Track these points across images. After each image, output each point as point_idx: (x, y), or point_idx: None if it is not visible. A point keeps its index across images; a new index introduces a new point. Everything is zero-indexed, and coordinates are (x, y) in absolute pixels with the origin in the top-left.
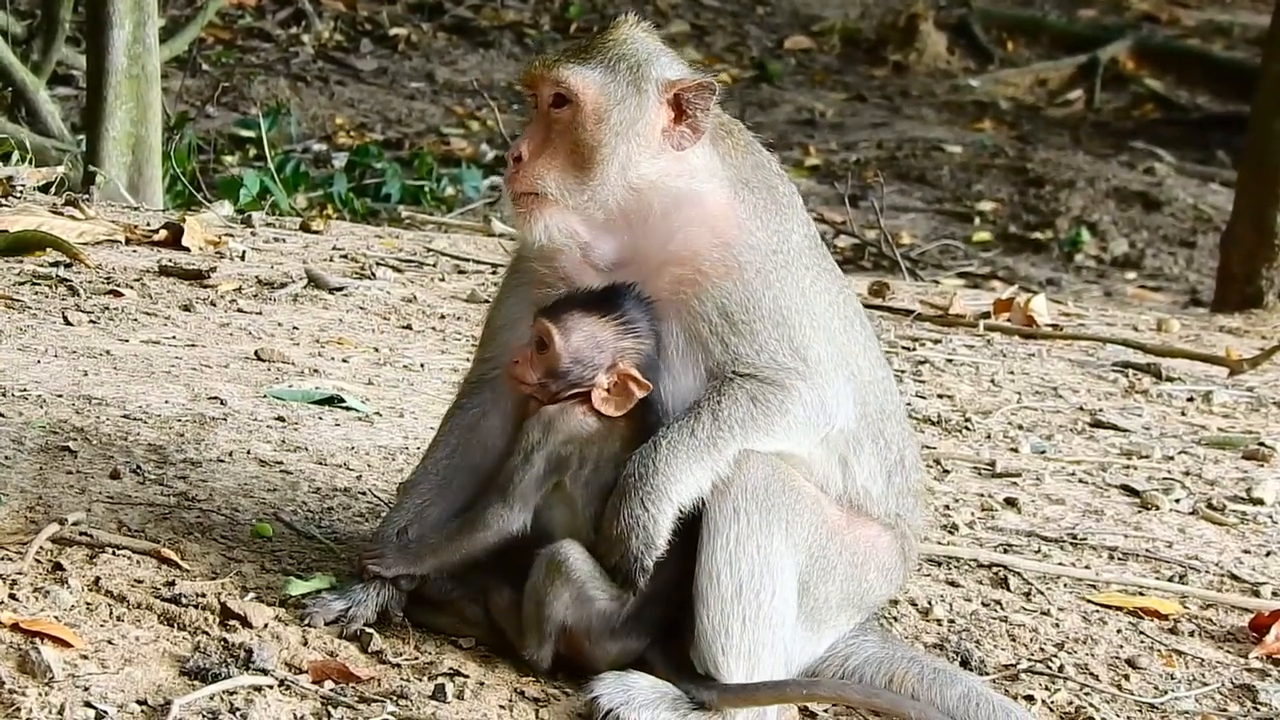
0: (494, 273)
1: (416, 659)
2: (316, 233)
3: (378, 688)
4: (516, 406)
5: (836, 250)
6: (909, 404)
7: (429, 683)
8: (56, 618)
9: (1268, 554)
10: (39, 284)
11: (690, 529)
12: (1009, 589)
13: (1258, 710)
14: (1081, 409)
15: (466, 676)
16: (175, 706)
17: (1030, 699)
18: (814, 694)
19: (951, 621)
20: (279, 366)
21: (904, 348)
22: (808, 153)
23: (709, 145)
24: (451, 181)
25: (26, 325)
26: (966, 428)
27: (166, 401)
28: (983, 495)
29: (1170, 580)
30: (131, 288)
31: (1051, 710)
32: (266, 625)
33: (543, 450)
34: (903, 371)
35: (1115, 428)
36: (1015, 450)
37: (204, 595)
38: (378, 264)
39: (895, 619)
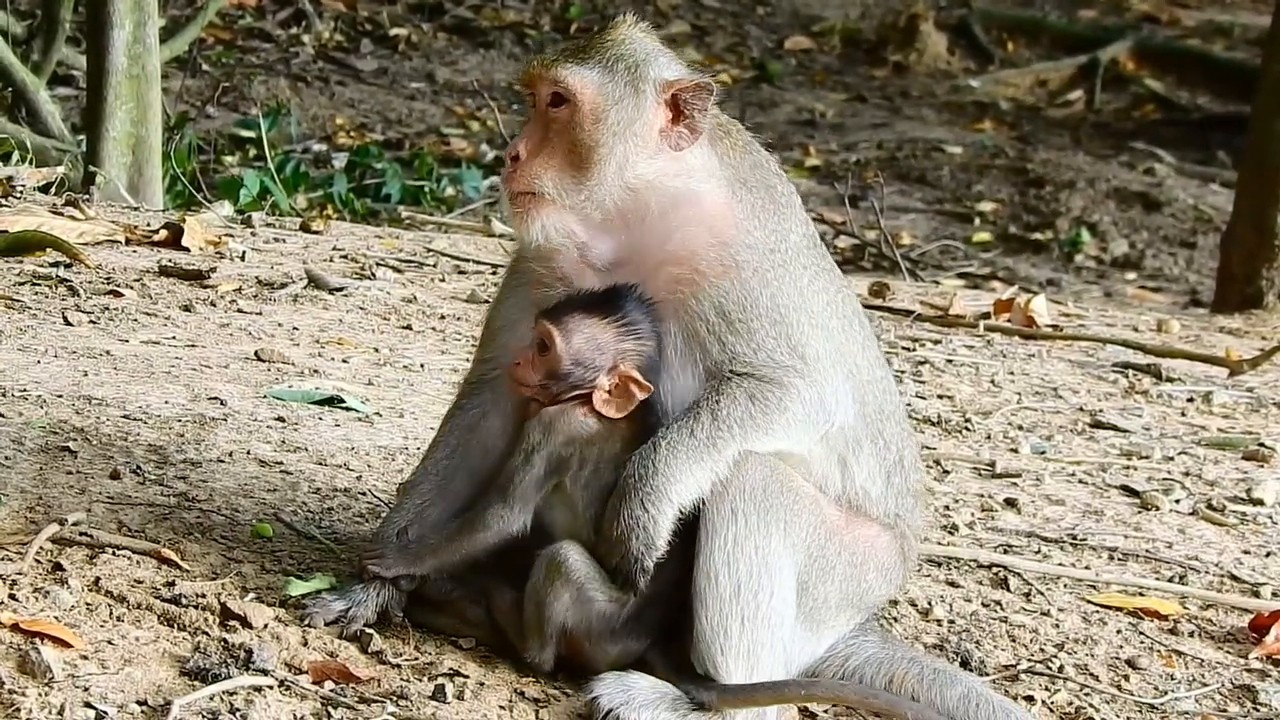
0: (494, 273)
1: (416, 659)
2: (316, 233)
3: (378, 688)
4: (516, 407)
5: (836, 251)
6: (909, 404)
7: (429, 683)
8: (56, 618)
9: (1268, 554)
10: (39, 284)
11: (690, 530)
12: (1009, 589)
13: (1257, 711)
14: (1081, 409)
15: (466, 677)
16: (175, 707)
17: (1030, 699)
18: (812, 694)
19: (951, 622)
20: (279, 367)
21: (904, 348)
22: (808, 153)
23: (707, 145)
24: (451, 182)
25: (26, 325)
26: (966, 428)
27: (166, 402)
28: (983, 496)
29: (1170, 581)
30: (131, 288)
31: (1051, 711)
32: (266, 625)
33: (543, 451)
34: (903, 372)
35: (1115, 428)
36: (1015, 451)
37: (204, 595)
38: (378, 264)
39: (895, 619)
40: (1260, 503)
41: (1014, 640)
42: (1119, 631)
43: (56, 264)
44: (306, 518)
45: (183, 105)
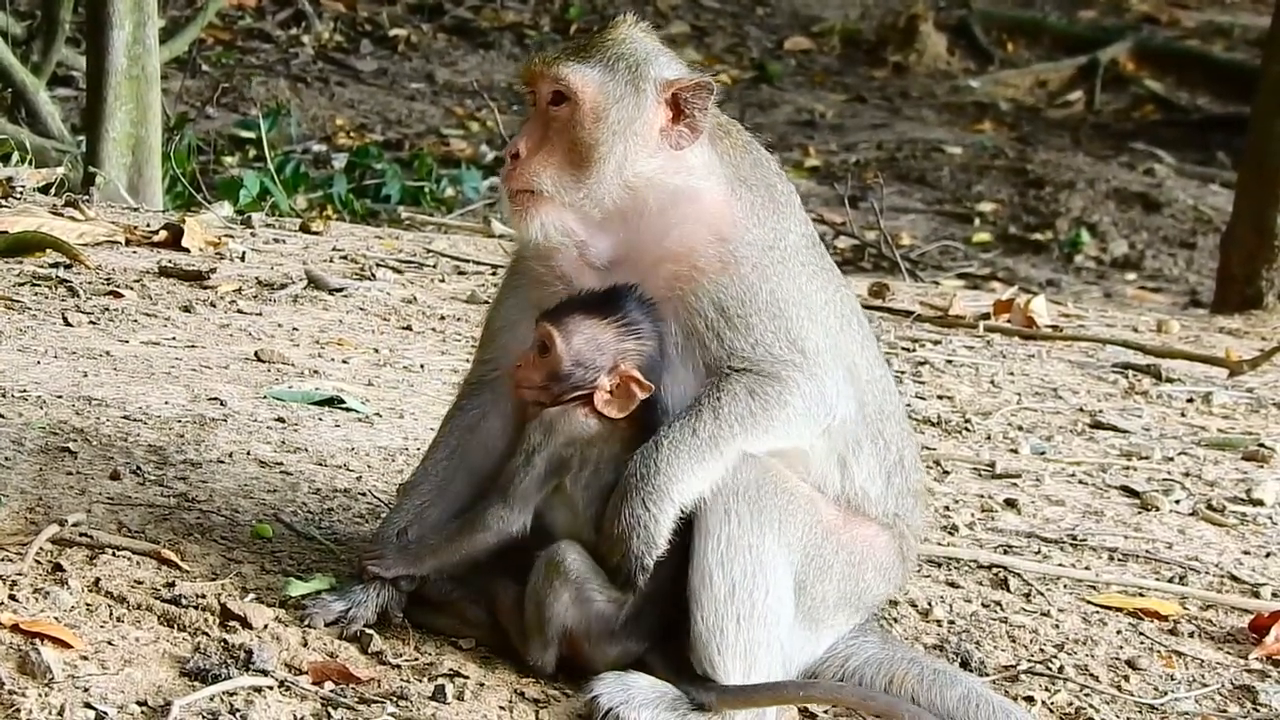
0: (494, 274)
1: (416, 660)
2: (316, 234)
3: (378, 689)
4: (516, 408)
5: (836, 251)
6: (909, 405)
7: (429, 684)
8: (56, 619)
9: (1267, 555)
10: (39, 285)
11: (688, 531)
12: (1009, 590)
13: (1257, 711)
14: (1081, 410)
15: (466, 677)
16: (175, 707)
17: (1030, 700)
18: (811, 695)
19: (951, 622)
20: (279, 367)
21: (904, 349)
22: (807, 154)
23: (707, 144)
24: (451, 182)
25: (26, 326)
26: (966, 429)
27: (166, 402)
28: (983, 496)
29: (1170, 581)
30: (131, 289)
31: (1051, 711)
32: (266, 626)
33: (544, 452)
34: (903, 372)
35: (1115, 429)
36: (1015, 451)
37: (204, 596)
38: (377, 265)
39: (895, 620)
40: (1260, 503)
41: (1014, 641)
42: (1119, 632)
43: (56, 265)
44: (306, 518)
45: (182, 106)
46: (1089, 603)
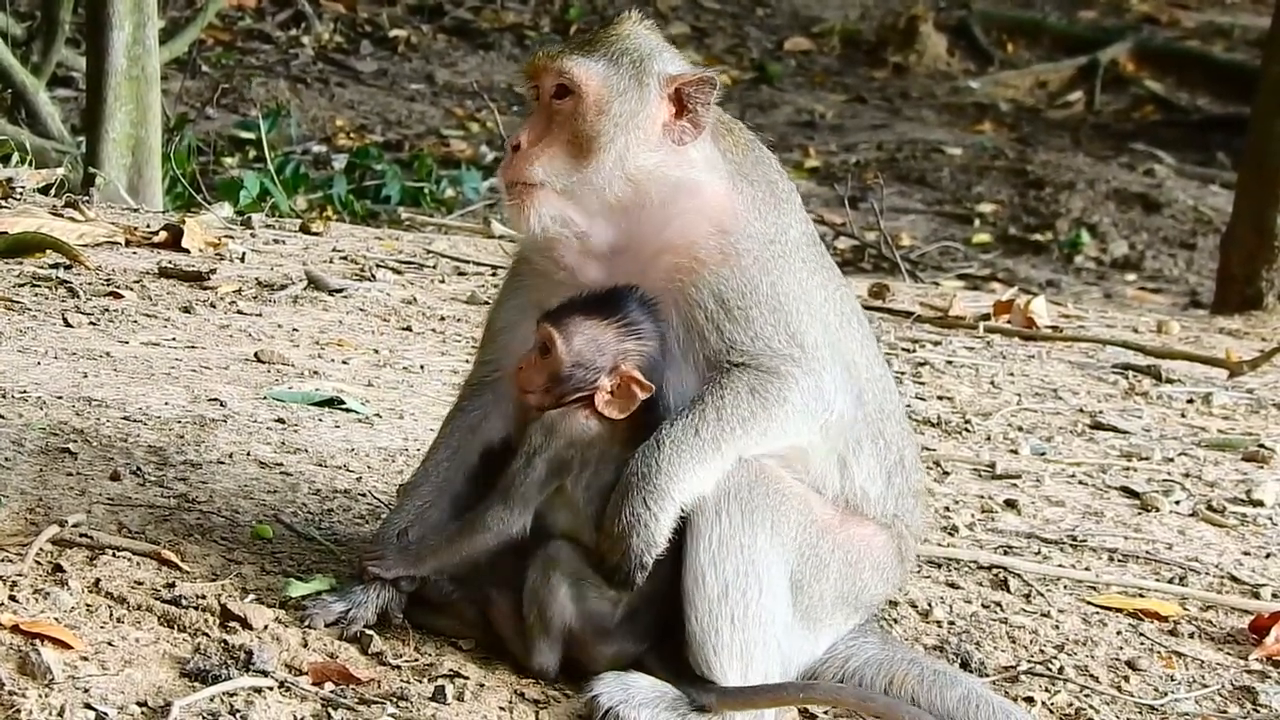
0: (494, 274)
1: (417, 661)
2: (316, 234)
3: (378, 689)
4: (518, 409)
5: (836, 252)
6: (909, 406)
7: (429, 684)
8: (57, 619)
9: (1268, 556)
10: (39, 286)
11: (684, 533)
12: (1009, 591)
13: (1257, 712)
14: (1081, 411)
15: (466, 678)
16: (175, 708)
17: (1030, 701)
18: (811, 696)
19: (951, 623)
20: (279, 368)
21: (904, 349)
22: (807, 154)
23: (709, 141)
24: (451, 183)
25: (26, 327)
26: (966, 429)
27: (166, 403)
28: (983, 497)
29: (1170, 582)
30: (131, 289)
31: (1051, 712)
32: (266, 627)
33: (545, 454)
34: (903, 373)
35: (1115, 429)
36: (1015, 452)
37: (204, 597)
38: (377, 266)
39: (895, 621)
40: (1260, 504)
41: (1014, 641)
42: (1119, 633)
43: (56, 265)
44: (306, 519)
45: (182, 106)
46: (1089, 603)
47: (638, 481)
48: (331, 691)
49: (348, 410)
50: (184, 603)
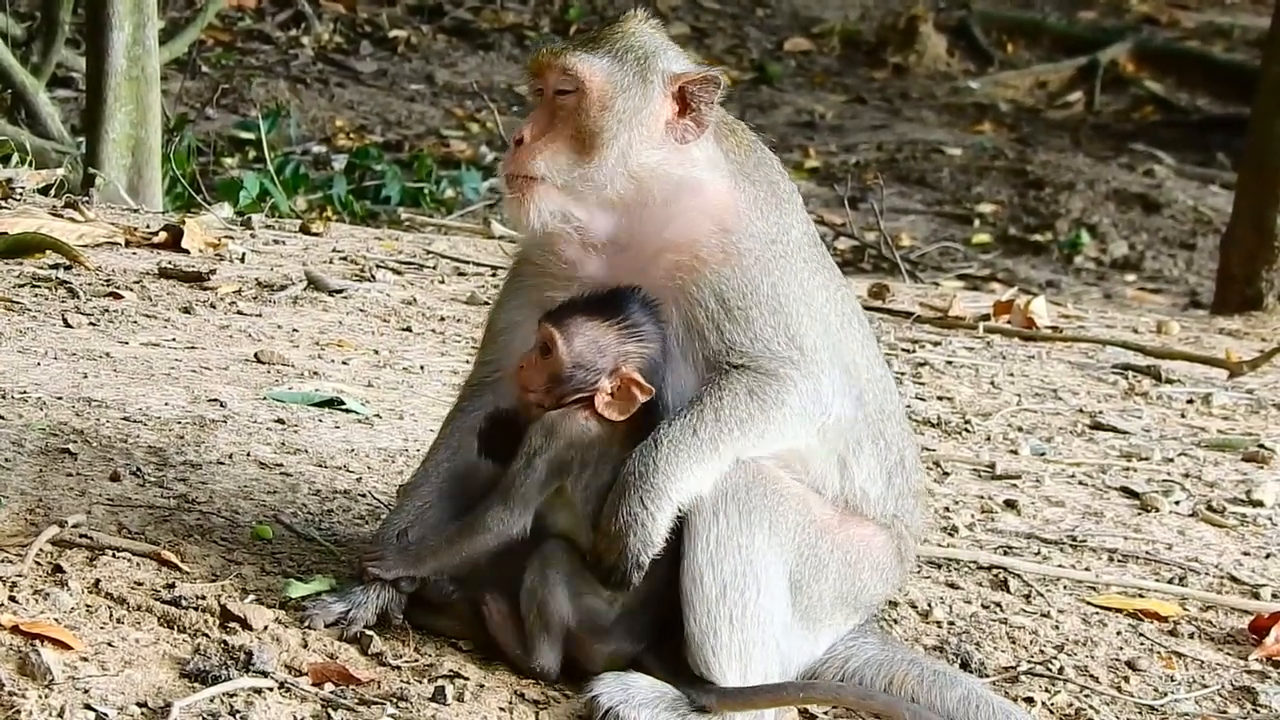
0: (494, 275)
1: (416, 661)
2: (316, 235)
3: (378, 690)
4: (519, 409)
5: (836, 252)
6: (908, 406)
7: (429, 685)
8: (56, 620)
9: (1267, 556)
10: (39, 286)
11: (681, 533)
12: (1009, 591)
13: (1257, 712)
14: (1081, 411)
15: (466, 679)
16: (175, 709)
17: (1030, 701)
18: (811, 696)
19: (951, 624)
20: (279, 369)
21: (904, 350)
22: (807, 155)
23: (711, 140)
24: (451, 184)
25: (26, 328)
26: (966, 430)
27: (166, 404)
28: (982, 497)
29: (1170, 582)
30: (131, 290)
31: (1051, 712)
32: (266, 627)
33: (545, 455)
34: (902, 373)
35: (1115, 430)
36: (1015, 452)
37: (204, 597)
38: (377, 266)
39: (895, 621)
40: (1260, 504)
41: (1014, 642)
42: (1119, 633)
43: (56, 266)
44: (306, 520)
45: (182, 107)
46: (1089, 604)
47: (635, 481)
48: (331, 692)
49: (347, 411)
50: (184, 603)
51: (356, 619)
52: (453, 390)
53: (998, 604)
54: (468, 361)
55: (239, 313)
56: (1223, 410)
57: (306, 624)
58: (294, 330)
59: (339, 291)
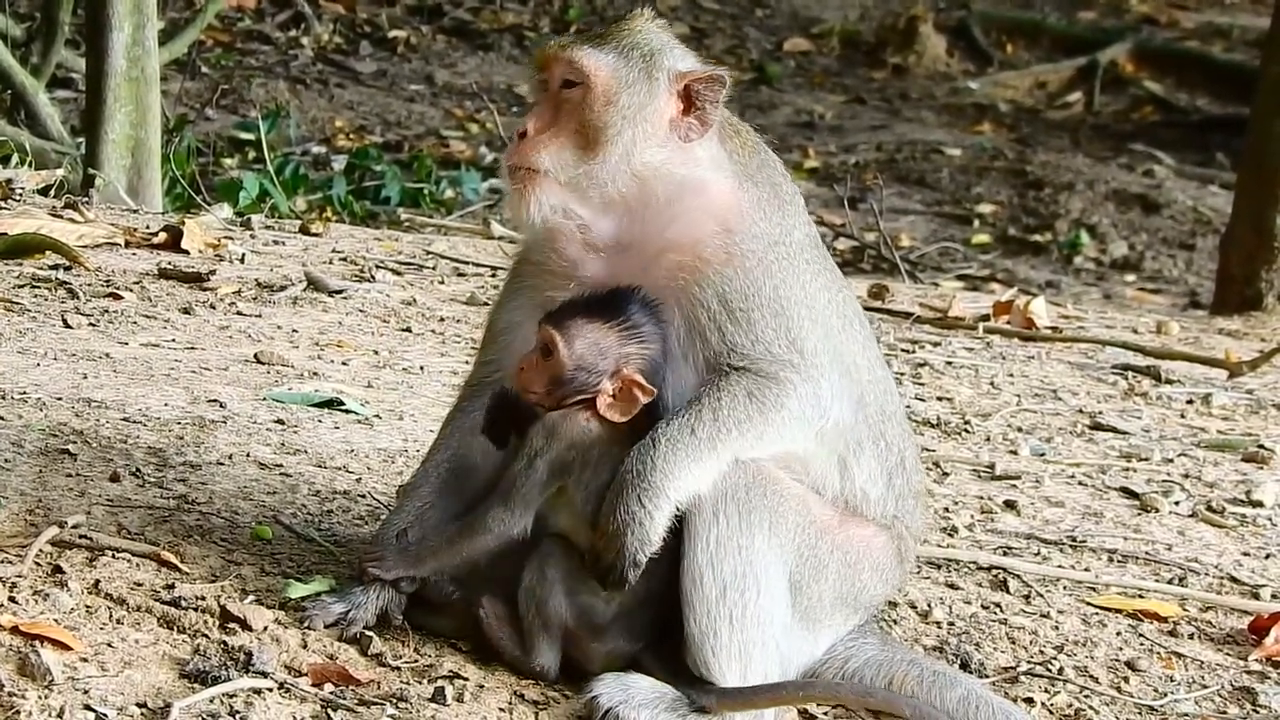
0: (494, 275)
1: (416, 661)
2: (316, 235)
3: (377, 690)
4: None
5: (836, 253)
6: (908, 406)
7: (429, 685)
8: (56, 621)
9: (1267, 556)
10: (38, 287)
11: (680, 533)
12: (1008, 591)
13: (1257, 713)
14: (1081, 411)
15: (466, 679)
16: (175, 709)
17: (1030, 701)
18: (810, 695)
19: (951, 624)
20: (278, 369)
21: (903, 350)
22: (807, 155)
23: (715, 140)
24: (451, 184)
25: (26, 328)
26: (966, 430)
27: (166, 404)
28: (982, 498)
29: (1170, 583)
30: (131, 290)
31: (1051, 713)
32: (266, 628)
33: (546, 456)
34: (902, 374)
35: (1115, 430)
36: (1015, 453)
37: (203, 598)
38: (377, 267)
39: (895, 622)
40: (1260, 504)
41: (1013, 642)
42: (1118, 633)
43: (56, 266)
44: (306, 520)
45: (182, 108)
46: (1089, 604)
47: (633, 479)
48: (331, 693)
49: (347, 411)
50: (183, 604)
51: (356, 619)
52: (452, 391)
53: (997, 604)
54: (467, 362)
55: (239, 313)
56: (1222, 410)
57: (306, 624)
58: (294, 331)
59: (339, 292)
